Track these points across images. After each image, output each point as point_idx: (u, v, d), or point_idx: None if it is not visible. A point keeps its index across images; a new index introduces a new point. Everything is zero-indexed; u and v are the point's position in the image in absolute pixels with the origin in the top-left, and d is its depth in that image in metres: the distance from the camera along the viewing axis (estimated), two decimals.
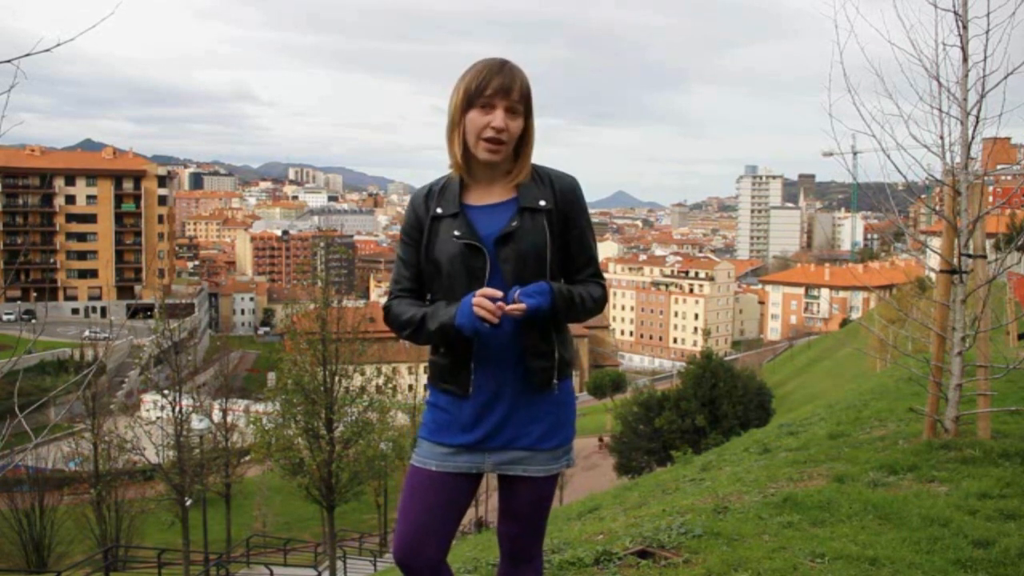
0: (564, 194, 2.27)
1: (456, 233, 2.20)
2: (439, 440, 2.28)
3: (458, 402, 2.27)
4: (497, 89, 2.15)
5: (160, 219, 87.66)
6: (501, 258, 2.19)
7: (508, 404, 2.25)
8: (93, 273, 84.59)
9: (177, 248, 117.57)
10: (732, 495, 5.26)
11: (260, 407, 22.53)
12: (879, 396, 10.38)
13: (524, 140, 2.24)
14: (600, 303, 2.31)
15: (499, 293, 2.11)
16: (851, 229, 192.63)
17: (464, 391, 2.25)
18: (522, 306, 2.10)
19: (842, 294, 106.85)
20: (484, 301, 2.08)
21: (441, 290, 2.25)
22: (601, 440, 43.72)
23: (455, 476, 2.28)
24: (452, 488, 2.28)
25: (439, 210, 2.25)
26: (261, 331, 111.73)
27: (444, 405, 2.30)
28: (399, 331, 2.31)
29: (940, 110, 5.67)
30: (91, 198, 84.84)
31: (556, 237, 2.24)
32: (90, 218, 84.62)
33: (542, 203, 2.23)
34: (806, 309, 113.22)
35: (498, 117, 2.16)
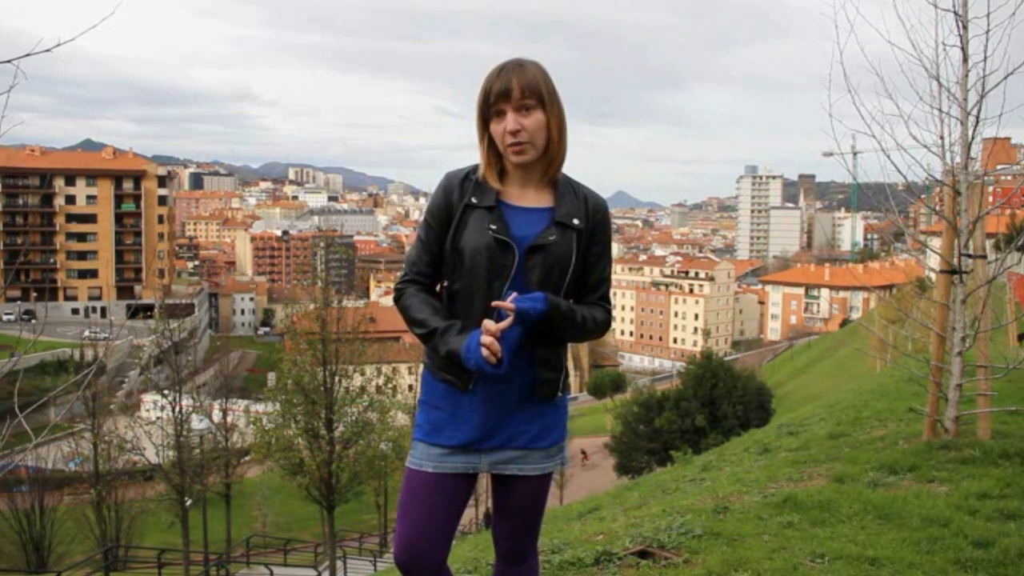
0: (595, 215, 2.29)
1: (492, 227, 2.19)
2: (434, 441, 2.27)
3: (455, 397, 2.25)
4: (498, 95, 2.17)
5: (160, 219, 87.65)
6: (528, 265, 2.19)
7: (505, 406, 2.24)
8: (93, 273, 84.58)
9: (177, 248, 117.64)
10: (732, 495, 5.26)
11: (260, 407, 22.52)
12: (879, 396, 10.38)
13: (550, 133, 2.21)
14: (601, 327, 2.30)
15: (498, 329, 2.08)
16: (851, 229, 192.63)
17: (464, 385, 2.23)
18: (511, 305, 2.09)
19: (842, 294, 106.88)
20: (492, 342, 2.06)
21: (461, 281, 2.23)
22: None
23: (452, 477, 2.27)
24: (449, 489, 2.27)
25: (474, 199, 2.23)
26: (261, 331, 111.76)
27: (439, 402, 2.28)
28: (408, 324, 2.30)
29: (940, 110, 5.67)
30: (91, 198, 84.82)
31: (580, 256, 2.25)
32: (90, 218, 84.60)
33: (575, 222, 2.24)
34: (806, 309, 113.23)
35: (509, 120, 2.17)
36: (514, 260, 2.19)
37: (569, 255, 2.22)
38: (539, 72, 2.20)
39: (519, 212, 2.24)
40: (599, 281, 2.32)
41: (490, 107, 2.19)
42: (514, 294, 2.13)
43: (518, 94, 2.16)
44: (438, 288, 2.32)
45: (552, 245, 2.20)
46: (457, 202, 2.25)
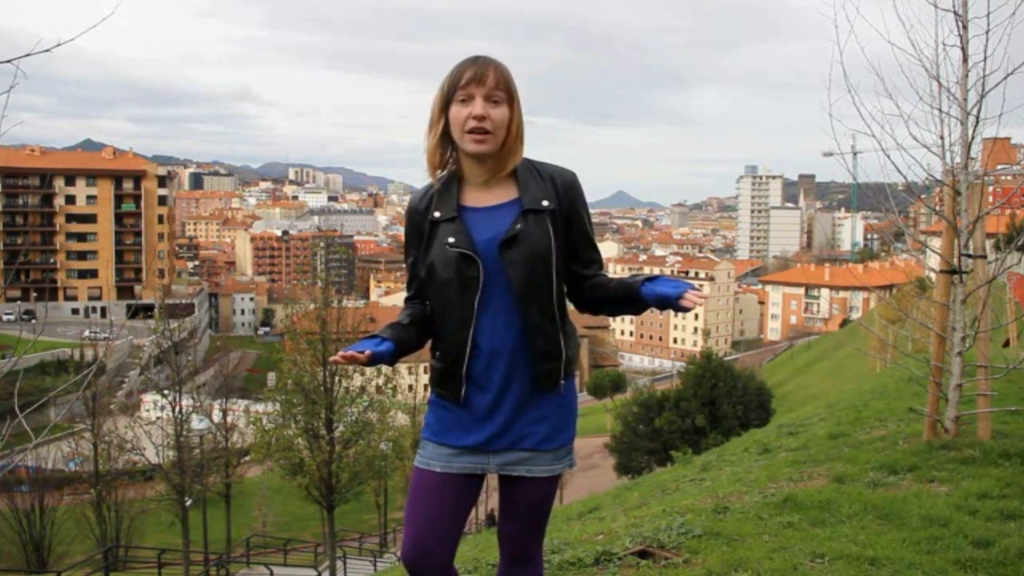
0: (566, 191, 2.25)
1: (450, 240, 2.18)
2: (443, 441, 2.27)
3: (457, 405, 2.26)
4: (471, 79, 2.14)
5: (160, 219, 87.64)
6: (507, 262, 2.16)
7: (512, 406, 2.23)
8: (93, 273, 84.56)
9: (177, 248, 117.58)
10: (732, 495, 5.26)
11: (260, 407, 22.52)
12: (879, 396, 10.39)
13: (510, 130, 2.19)
14: None
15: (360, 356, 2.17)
16: (851, 229, 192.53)
17: (456, 397, 2.24)
18: (703, 293, 2.12)
19: (842, 294, 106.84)
20: (333, 357, 2.21)
21: (434, 296, 2.24)
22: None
23: (460, 477, 2.27)
24: (457, 489, 2.27)
25: (436, 214, 2.23)
26: (261, 331, 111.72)
27: (446, 404, 2.29)
28: None
29: (940, 110, 5.67)
30: (91, 198, 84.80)
31: (560, 237, 2.21)
32: (90, 218, 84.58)
33: (545, 203, 2.20)
34: (806, 309, 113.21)
35: (477, 105, 2.14)
36: (479, 270, 2.16)
37: (547, 241, 2.18)
38: (509, 71, 2.20)
39: (483, 213, 2.22)
40: (592, 256, 2.30)
41: (458, 90, 2.15)
42: (693, 299, 2.09)
43: (492, 83, 2.14)
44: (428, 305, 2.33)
45: (523, 234, 2.16)
46: (423, 221, 2.25)
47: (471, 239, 2.18)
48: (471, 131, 2.15)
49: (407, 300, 2.36)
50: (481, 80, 2.14)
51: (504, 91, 2.16)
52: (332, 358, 2.23)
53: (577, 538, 4.66)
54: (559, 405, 2.29)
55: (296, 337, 17.10)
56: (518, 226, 2.17)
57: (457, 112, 2.16)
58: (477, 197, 2.25)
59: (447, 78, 2.18)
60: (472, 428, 2.25)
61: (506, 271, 2.17)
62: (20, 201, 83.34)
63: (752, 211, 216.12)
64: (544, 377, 2.23)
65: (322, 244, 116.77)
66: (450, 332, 2.21)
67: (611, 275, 2.34)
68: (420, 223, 2.26)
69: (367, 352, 2.16)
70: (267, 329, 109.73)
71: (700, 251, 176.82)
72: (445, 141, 2.22)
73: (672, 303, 2.14)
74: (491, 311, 2.19)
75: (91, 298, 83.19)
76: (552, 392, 2.26)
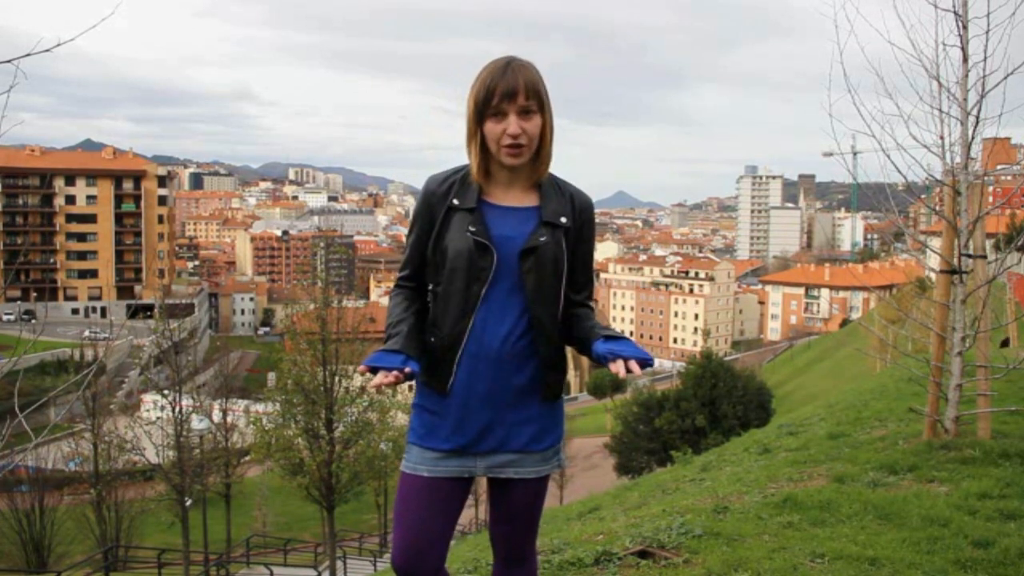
0: (582, 213, 2.28)
1: (471, 229, 2.18)
2: (428, 445, 2.25)
3: (441, 400, 2.24)
4: (503, 96, 2.13)
5: (160, 219, 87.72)
6: (524, 268, 2.18)
7: (495, 406, 2.22)
8: (93, 273, 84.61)
9: (177, 248, 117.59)
10: (732, 495, 5.26)
11: (260, 407, 22.51)
12: (879, 396, 10.37)
13: (543, 136, 2.21)
14: None
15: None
16: (851, 229, 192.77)
17: (442, 388, 2.22)
18: (636, 369, 2.05)
19: (842, 294, 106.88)
20: (377, 380, 2.06)
21: (442, 283, 2.22)
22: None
23: (447, 480, 2.25)
24: (445, 493, 2.26)
25: (455, 201, 2.22)
26: (261, 331, 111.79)
27: (430, 406, 2.27)
28: None
29: (940, 110, 5.67)
30: (91, 198, 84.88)
31: (570, 254, 2.24)
32: (90, 218, 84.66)
33: (563, 220, 2.23)
34: (806, 309, 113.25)
35: (512, 124, 2.14)
36: (492, 263, 2.17)
37: (561, 256, 2.21)
38: (537, 73, 2.19)
39: (503, 212, 2.23)
40: (587, 279, 2.32)
41: (490, 105, 2.14)
42: (631, 367, 2.04)
43: (523, 97, 2.14)
44: (429, 291, 2.31)
45: (543, 247, 2.18)
46: (439, 206, 2.24)
47: (489, 232, 2.19)
48: (508, 146, 2.16)
49: (401, 279, 2.33)
50: (512, 96, 2.13)
51: (535, 100, 2.16)
52: (375, 382, 2.06)
53: (577, 538, 4.66)
54: (547, 407, 2.29)
55: (296, 337, 17.09)
56: (542, 238, 2.19)
57: (492, 128, 2.16)
58: (498, 194, 2.26)
59: (479, 89, 2.15)
60: (456, 430, 2.23)
61: (523, 275, 2.18)
62: (20, 201, 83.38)
63: (752, 211, 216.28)
64: (548, 388, 2.26)
65: (322, 244, 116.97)
66: (449, 321, 2.20)
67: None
68: (436, 207, 2.25)
69: (407, 370, 2.10)
70: (267, 329, 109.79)
71: (700, 251, 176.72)
72: (483, 151, 2.22)
73: (606, 363, 2.11)
74: (491, 307, 2.19)
75: (91, 298, 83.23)
76: (555, 401, 2.30)
